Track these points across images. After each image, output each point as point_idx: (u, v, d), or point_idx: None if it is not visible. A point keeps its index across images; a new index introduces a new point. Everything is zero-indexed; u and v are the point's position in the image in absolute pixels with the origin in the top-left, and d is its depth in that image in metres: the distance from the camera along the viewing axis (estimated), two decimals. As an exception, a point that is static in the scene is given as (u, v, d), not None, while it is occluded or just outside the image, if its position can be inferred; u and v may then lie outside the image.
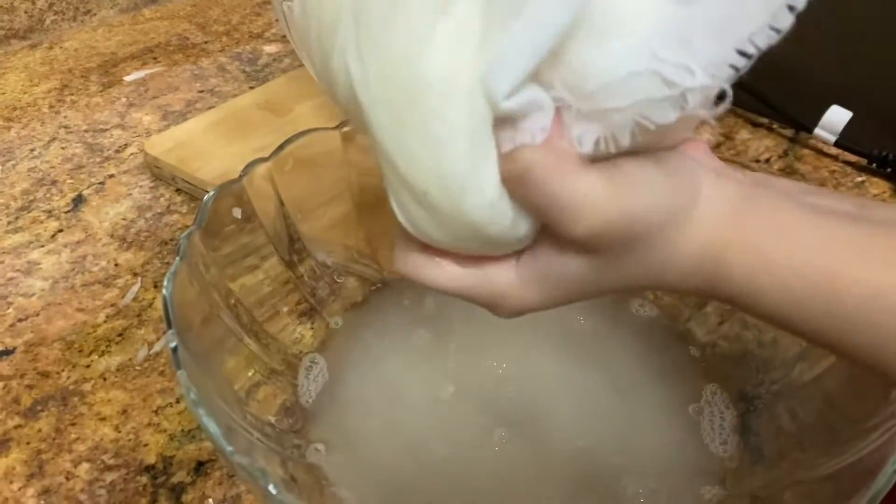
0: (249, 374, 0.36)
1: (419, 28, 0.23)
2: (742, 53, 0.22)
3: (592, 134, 0.23)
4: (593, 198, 0.23)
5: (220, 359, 0.33)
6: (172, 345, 0.27)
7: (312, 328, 0.41)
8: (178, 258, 0.32)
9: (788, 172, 0.59)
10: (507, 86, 0.22)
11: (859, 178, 0.58)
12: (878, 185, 0.57)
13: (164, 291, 0.30)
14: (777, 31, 0.23)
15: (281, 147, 0.39)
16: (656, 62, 0.21)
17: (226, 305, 0.35)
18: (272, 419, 0.35)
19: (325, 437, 0.34)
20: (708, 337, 0.41)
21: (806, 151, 0.61)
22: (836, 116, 0.59)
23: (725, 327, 0.41)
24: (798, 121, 0.62)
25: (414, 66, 0.23)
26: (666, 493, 0.34)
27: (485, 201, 0.24)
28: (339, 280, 0.43)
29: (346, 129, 0.40)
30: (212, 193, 0.35)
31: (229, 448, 0.24)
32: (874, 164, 0.58)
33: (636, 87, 0.22)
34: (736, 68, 0.23)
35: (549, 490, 0.34)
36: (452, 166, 0.24)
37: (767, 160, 0.60)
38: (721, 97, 0.22)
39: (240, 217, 0.37)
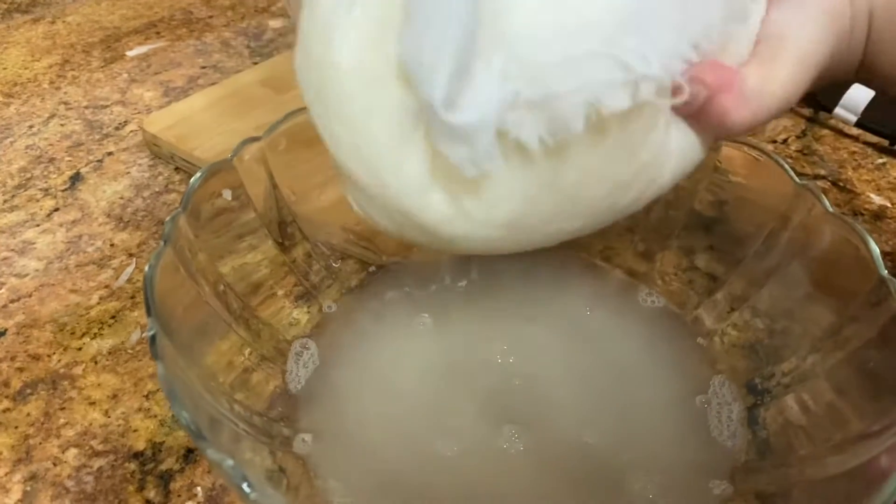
0: (240, 360, 0.35)
1: (328, 17, 0.25)
2: (696, 48, 0.22)
3: (538, 124, 0.22)
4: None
5: (206, 347, 0.32)
6: (151, 334, 0.26)
7: (308, 311, 0.40)
8: (162, 243, 0.31)
9: (806, 153, 0.56)
10: (438, 89, 0.21)
11: (880, 160, 0.56)
12: (901, 168, 0.55)
13: (144, 280, 0.28)
14: (732, 27, 0.23)
15: (274, 126, 0.37)
16: (613, 45, 0.21)
17: (214, 292, 0.33)
18: (263, 408, 0.34)
19: (313, 426, 0.33)
20: (717, 325, 0.40)
21: (825, 132, 0.59)
22: (858, 95, 0.56)
23: (735, 315, 0.40)
24: (817, 99, 0.60)
25: (325, 51, 0.25)
26: (673, 488, 0.33)
27: (407, 186, 0.25)
28: (335, 265, 0.42)
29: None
30: (199, 175, 0.34)
31: (204, 442, 0.23)
32: (896, 146, 0.56)
33: (592, 68, 0.21)
34: (689, 62, 0.22)
35: (552, 485, 0.32)
36: (369, 148, 0.25)
37: (785, 141, 0.58)
38: (677, 90, 0.22)
39: (230, 199, 0.36)
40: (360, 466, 0.32)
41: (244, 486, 0.22)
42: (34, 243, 0.47)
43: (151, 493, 0.34)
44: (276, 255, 0.39)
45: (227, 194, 0.36)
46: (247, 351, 0.35)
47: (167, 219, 0.32)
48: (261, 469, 0.31)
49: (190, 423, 0.24)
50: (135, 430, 0.37)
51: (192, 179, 0.33)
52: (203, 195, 0.34)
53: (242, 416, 0.32)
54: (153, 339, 0.26)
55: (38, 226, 0.48)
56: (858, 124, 0.57)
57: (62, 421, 0.37)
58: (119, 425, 0.37)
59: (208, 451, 0.23)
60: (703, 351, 0.38)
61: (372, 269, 0.42)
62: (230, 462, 0.22)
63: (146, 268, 0.29)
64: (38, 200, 0.50)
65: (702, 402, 0.35)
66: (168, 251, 0.30)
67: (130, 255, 0.46)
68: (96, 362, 0.40)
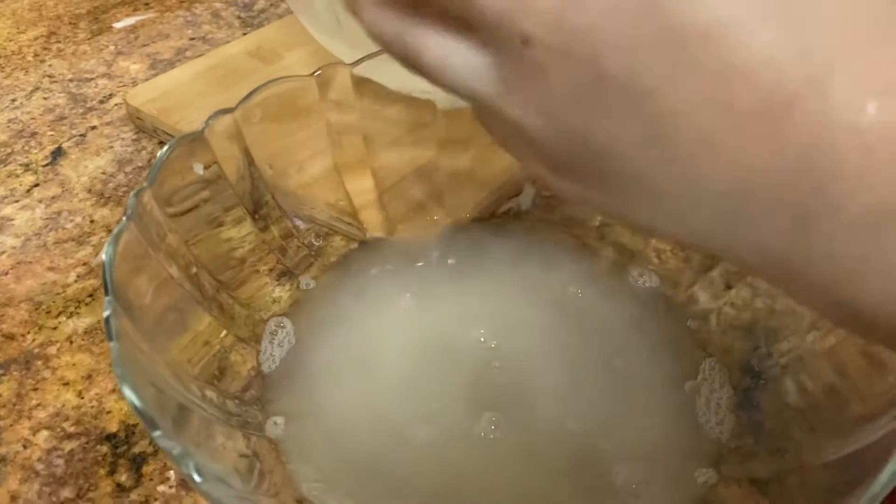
0: (216, 342, 0.34)
1: None
2: None
3: None
4: None
5: (176, 331, 0.31)
6: (106, 314, 0.25)
7: (290, 290, 0.39)
8: (124, 218, 0.29)
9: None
10: None
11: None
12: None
13: (103, 256, 0.27)
14: None
15: (249, 96, 0.36)
16: None
17: (185, 274, 0.32)
18: (238, 391, 0.33)
19: (285, 408, 0.32)
20: (713, 303, 0.38)
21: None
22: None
23: (732, 293, 0.38)
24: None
25: None
26: (658, 477, 0.31)
27: None
28: (316, 242, 0.40)
29: (320, 74, 0.37)
30: (167, 148, 0.32)
31: (156, 432, 0.22)
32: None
33: None
34: None
35: (532, 473, 0.31)
36: None
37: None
38: None
39: (202, 173, 0.34)
40: (333, 451, 0.31)
41: (194, 475, 0.21)
42: (12, 220, 0.46)
43: (123, 477, 0.33)
44: (257, 231, 0.38)
45: (199, 168, 0.34)
46: (222, 332, 0.34)
47: (131, 193, 0.30)
48: (233, 455, 0.30)
49: (137, 405, 0.22)
50: (108, 412, 0.36)
51: (160, 153, 0.32)
52: (172, 169, 0.32)
53: (214, 403, 0.31)
54: (107, 320, 0.25)
55: (17, 202, 0.47)
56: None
57: (34, 402, 0.36)
58: (92, 406, 0.36)
59: (158, 437, 0.22)
60: (695, 334, 0.36)
61: (354, 245, 0.41)
62: (178, 449, 0.21)
63: (106, 245, 0.28)
64: (17, 176, 0.49)
65: (691, 387, 0.33)
66: (131, 227, 0.29)
67: (110, 232, 0.45)
68: (71, 342, 0.39)
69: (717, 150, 0.15)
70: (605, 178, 0.17)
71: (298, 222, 0.39)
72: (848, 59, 0.14)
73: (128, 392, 0.22)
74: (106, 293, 0.26)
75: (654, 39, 0.15)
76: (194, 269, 0.33)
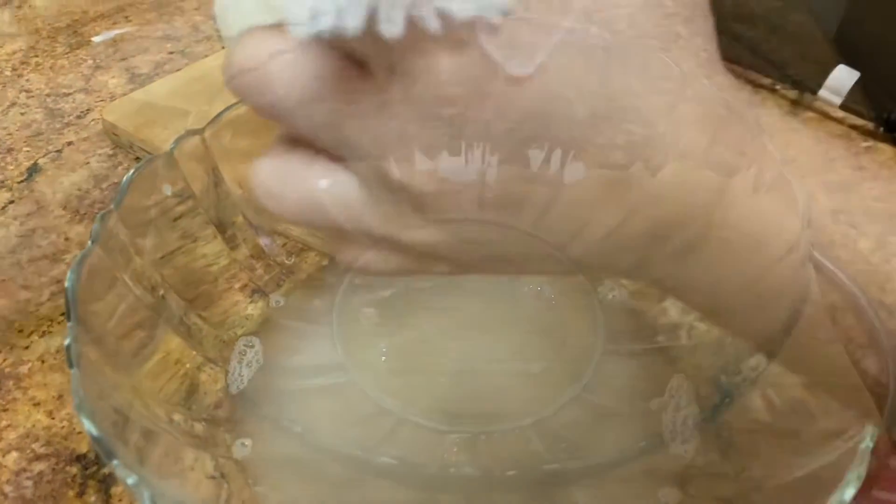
0: (185, 363, 0.34)
1: None
2: None
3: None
4: None
5: (140, 354, 0.31)
6: (67, 342, 0.25)
7: (262, 308, 0.39)
8: (90, 242, 0.29)
9: (788, 137, 0.55)
10: None
11: (866, 144, 0.54)
12: (885, 152, 0.53)
13: (66, 282, 0.27)
14: None
15: (218, 115, 0.36)
16: None
17: (152, 295, 0.32)
18: (207, 413, 0.33)
19: (253, 429, 0.32)
20: (683, 318, 0.38)
21: (809, 115, 0.57)
22: (843, 77, 0.54)
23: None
24: (801, 81, 0.58)
25: None
26: (620, 498, 0.31)
27: None
28: (288, 261, 0.40)
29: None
30: (133, 171, 0.32)
31: (114, 461, 0.22)
32: (882, 129, 0.54)
33: None
34: None
35: (497, 494, 0.31)
36: None
37: (766, 124, 0.56)
38: None
39: (170, 194, 0.34)
40: (299, 473, 0.31)
41: (149, 505, 0.21)
42: (-14, 238, 0.46)
43: (92, 499, 0.33)
44: (228, 250, 0.38)
45: (167, 190, 0.34)
46: (192, 353, 0.34)
47: (97, 216, 0.30)
48: (201, 477, 0.30)
49: (94, 434, 0.22)
50: (79, 433, 0.36)
51: (126, 176, 0.32)
52: (139, 192, 0.33)
53: (181, 426, 0.31)
54: (68, 347, 0.25)
55: (-9, 219, 0.47)
56: (843, 107, 0.55)
57: (4, 423, 0.36)
58: (63, 427, 0.36)
59: (116, 467, 0.22)
60: (664, 350, 0.36)
61: (325, 262, 0.41)
62: (133, 479, 0.21)
63: (69, 271, 0.28)
64: (-7, 193, 0.49)
65: (658, 405, 0.34)
66: (96, 252, 0.29)
67: (85, 249, 0.45)
68: (43, 361, 0.39)
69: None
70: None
71: (268, 240, 0.39)
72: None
73: (85, 422, 0.22)
74: (68, 319, 0.26)
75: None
76: (161, 292, 0.33)
